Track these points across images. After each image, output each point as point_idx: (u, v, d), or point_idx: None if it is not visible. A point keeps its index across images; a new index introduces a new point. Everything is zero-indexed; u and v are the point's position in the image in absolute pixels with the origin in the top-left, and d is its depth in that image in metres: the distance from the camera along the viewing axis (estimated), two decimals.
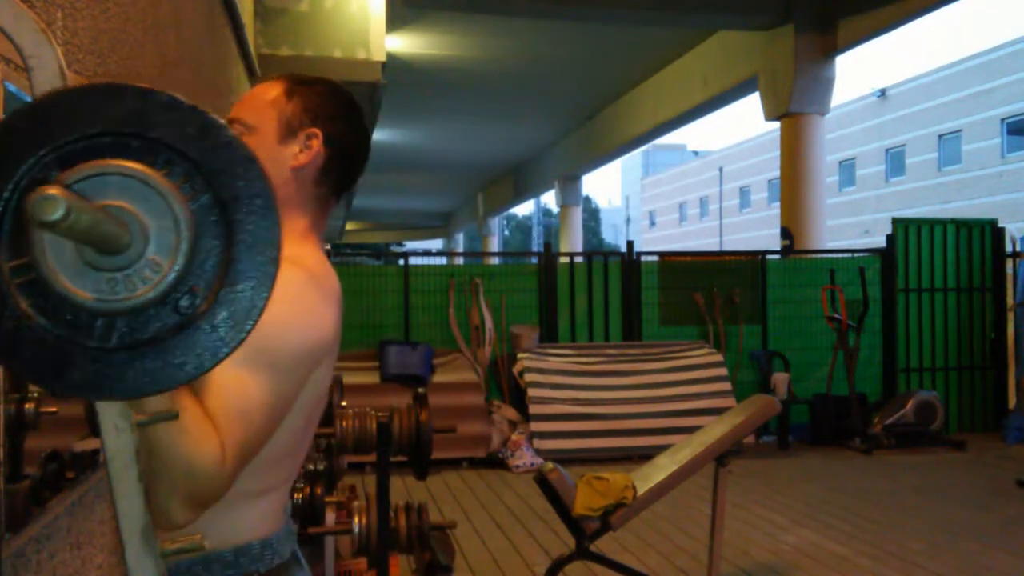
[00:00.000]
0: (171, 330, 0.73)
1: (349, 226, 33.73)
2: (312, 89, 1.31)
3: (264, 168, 0.76)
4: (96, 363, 0.72)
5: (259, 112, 1.29)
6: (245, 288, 0.75)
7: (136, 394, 0.75)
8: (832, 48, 10.25)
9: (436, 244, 41.79)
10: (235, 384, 1.07)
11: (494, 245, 29.55)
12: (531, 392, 7.14)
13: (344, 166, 1.33)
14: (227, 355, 0.76)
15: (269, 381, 1.10)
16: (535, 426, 7.04)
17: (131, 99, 0.72)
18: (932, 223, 8.42)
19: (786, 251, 9.61)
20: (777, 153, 11.38)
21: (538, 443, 6.97)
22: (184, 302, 0.73)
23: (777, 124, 10.96)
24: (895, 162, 28.97)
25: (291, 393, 1.15)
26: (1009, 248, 8.57)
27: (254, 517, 1.21)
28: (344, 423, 3.15)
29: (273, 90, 1.31)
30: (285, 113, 1.28)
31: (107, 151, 0.72)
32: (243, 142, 0.76)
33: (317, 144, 1.28)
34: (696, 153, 50.44)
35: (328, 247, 8.33)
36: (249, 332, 0.76)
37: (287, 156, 1.28)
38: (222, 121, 0.74)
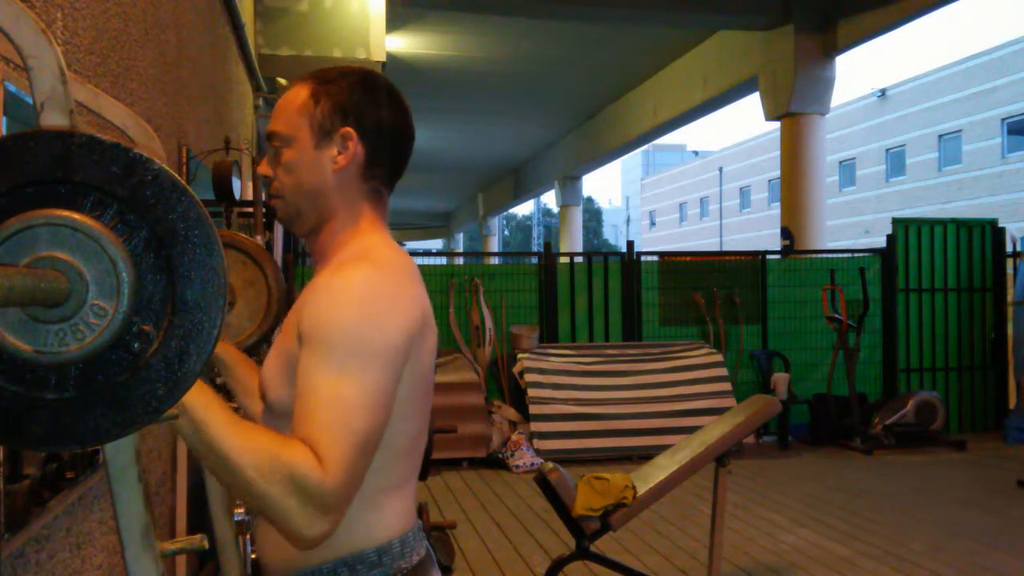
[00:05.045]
0: (126, 372, 0.73)
1: None
2: (338, 86, 1.26)
3: (196, 197, 0.75)
4: (55, 415, 0.72)
5: (291, 122, 1.26)
6: (195, 319, 0.74)
7: (100, 440, 0.74)
8: (832, 48, 10.25)
9: (436, 244, 41.78)
10: (329, 393, 1.08)
11: (494, 245, 29.56)
12: (531, 392, 7.14)
13: (388, 154, 1.29)
14: (187, 389, 0.75)
15: (362, 382, 1.10)
16: (535, 426, 7.04)
17: (50, 144, 0.71)
18: (932, 223, 8.42)
19: (786, 251, 9.61)
20: (777, 153, 11.38)
21: (538, 443, 6.97)
22: (136, 344, 0.73)
23: (777, 124, 10.96)
24: (895, 162, 28.96)
25: (390, 386, 1.14)
26: (1009, 248, 8.57)
27: (392, 514, 1.23)
28: None
29: (300, 95, 1.27)
30: (316, 118, 1.25)
31: (33, 201, 0.71)
32: (171, 173, 0.75)
33: (353, 143, 1.25)
34: (696, 153, 50.40)
35: None
36: (206, 361, 0.75)
37: (327, 160, 1.25)
38: (147, 155, 0.73)
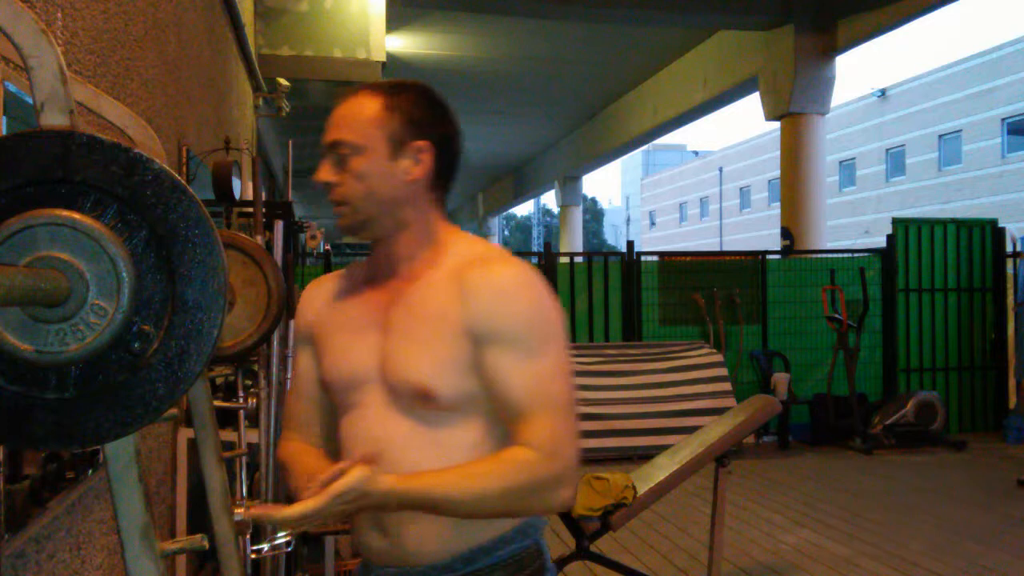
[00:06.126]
0: (126, 372, 0.73)
1: None
2: (407, 98, 1.31)
3: (196, 196, 0.75)
4: (55, 414, 0.72)
5: (363, 131, 1.28)
6: (195, 319, 0.74)
7: (100, 440, 0.74)
8: (832, 48, 10.25)
9: None
10: (543, 383, 1.22)
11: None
12: None
13: (452, 164, 1.35)
14: (186, 389, 0.75)
15: (558, 363, 1.25)
16: None
17: (51, 144, 0.71)
18: (932, 223, 8.42)
19: (786, 251, 9.61)
20: (777, 153, 11.38)
21: None
22: (136, 344, 0.73)
23: (777, 124, 10.96)
24: (895, 162, 28.95)
25: (569, 366, 1.29)
26: (1009, 248, 8.57)
27: None
28: None
29: (370, 106, 1.29)
30: (389, 129, 1.28)
31: (33, 201, 0.71)
32: (172, 173, 0.75)
33: (428, 157, 1.30)
34: (696, 153, 50.40)
35: (328, 247, 8.33)
36: (207, 360, 0.75)
37: (400, 172, 1.29)
38: (147, 155, 0.74)
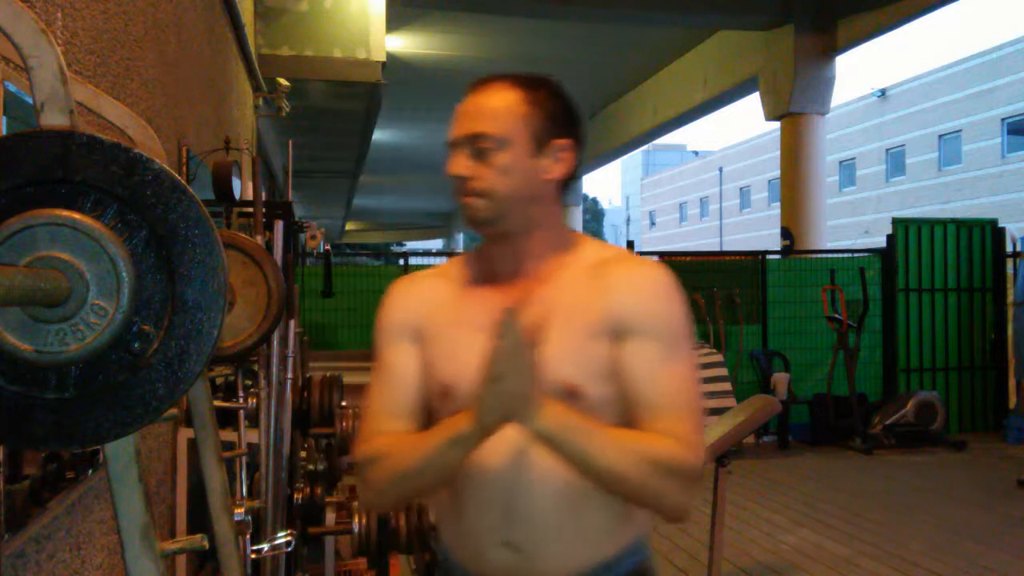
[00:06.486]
0: (126, 372, 0.73)
1: (349, 226, 33.71)
2: (546, 94, 1.28)
3: (196, 196, 0.75)
4: (55, 414, 0.72)
5: (508, 125, 1.24)
6: (195, 319, 0.74)
7: (100, 440, 0.74)
8: (832, 48, 10.25)
9: (436, 244, 41.77)
10: (678, 382, 1.22)
11: None
12: None
13: (580, 165, 1.33)
14: (186, 389, 0.75)
15: (692, 366, 1.26)
16: None
17: (50, 144, 0.71)
18: (932, 223, 8.42)
19: (786, 251, 9.61)
20: (777, 153, 11.38)
21: None
22: (136, 344, 0.73)
23: (777, 124, 10.96)
24: (895, 162, 28.96)
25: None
26: (1009, 248, 8.57)
27: None
28: (344, 423, 3.16)
29: (511, 99, 1.26)
30: (533, 126, 1.25)
31: (33, 201, 0.71)
32: (172, 173, 0.74)
33: (569, 156, 1.28)
34: (696, 153, 50.42)
35: (328, 247, 8.32)
36: (207, 360, 0.75)
37: (540, 170, 1.26)
38: (147, 155, 0.73)
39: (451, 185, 1.27)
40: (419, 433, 1.27)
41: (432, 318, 1.32)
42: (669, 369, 1.21)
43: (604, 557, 1.25)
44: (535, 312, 1.22)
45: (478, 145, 1.24)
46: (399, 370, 1.32)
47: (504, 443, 1.20)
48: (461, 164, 1.25)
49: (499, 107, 1.25)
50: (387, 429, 1.29)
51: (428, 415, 1.31)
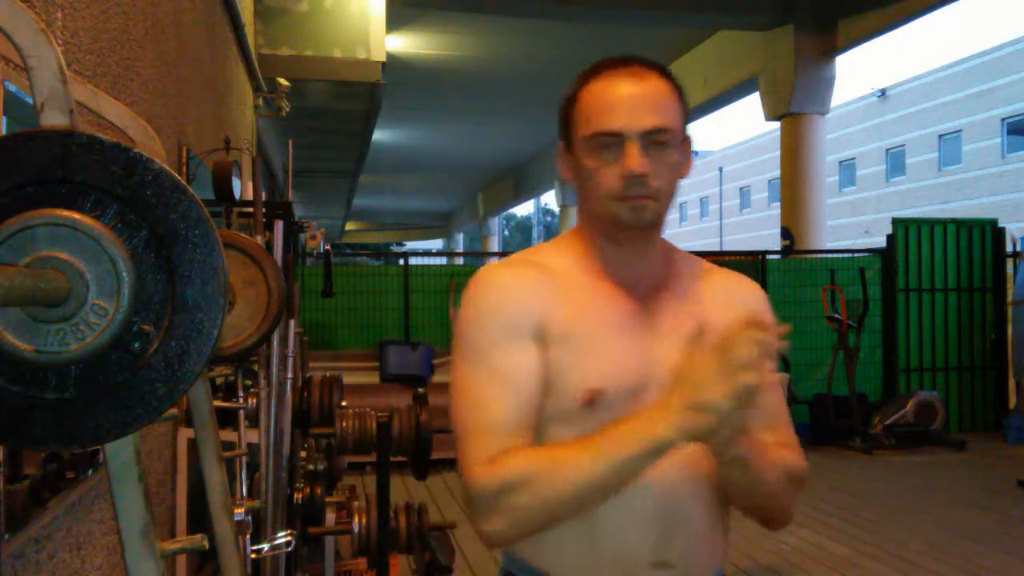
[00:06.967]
0: (126, 372, 0.73)
1: (349, 226, 33.71)
2: (677, 84, 1.21)
3: (196, 196, 0.74)
4: (55, 414, 0.72)
5: (675, 119, 1.17)
6: (195, 319, 0.74)
7: (100, 440, 0.74)
8: (832, 48, 10.25)
9: (436, 244, 41.79)
10: (773, 390, 1.19)
11: (494, 245, 29.52)
12: None
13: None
14: (186, 389, 0.75)
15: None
16: None
17: (50, 144, 0.71)
18: (932, 223, 8.42)
19: (786, 251, 9.60)
20: (777, 153, 11.38)
21: None
22: (136, 344, 0.73)
23: (777, 124, 10.96)
24: (895, 162, 28.97)
25: None
26: (1009, 248, 8.57)
27: None
28: (344, 423, 3.15)
29: (663, 87, 1.17)
30: (682, 119, 1.19)
31: (33, 201, 0.71)
32: (172, 173, 0.74)
33: (690, 152, 1.23)
34: (696, 153, 50.21)
35: (328, 247, 8.32)
36: (207, 360, 0.75)
37: (677, 166, 1.19)
38: (147, 155, 0.73)
39: (603, 184, 1.15)
40: (566, 445, 1.07)
41: (554, 314, 1.14)
42: (775, 379, 1.20)
43: (722, 564, 1.25)
44: (667, 318, 1.18)
45: (658, 140, 1.14)
46: (521, 373, 1.12)
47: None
48: (640, 162, 1.12)
49: (663, 98, 1.15)
50: (510, 446, 1.09)
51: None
